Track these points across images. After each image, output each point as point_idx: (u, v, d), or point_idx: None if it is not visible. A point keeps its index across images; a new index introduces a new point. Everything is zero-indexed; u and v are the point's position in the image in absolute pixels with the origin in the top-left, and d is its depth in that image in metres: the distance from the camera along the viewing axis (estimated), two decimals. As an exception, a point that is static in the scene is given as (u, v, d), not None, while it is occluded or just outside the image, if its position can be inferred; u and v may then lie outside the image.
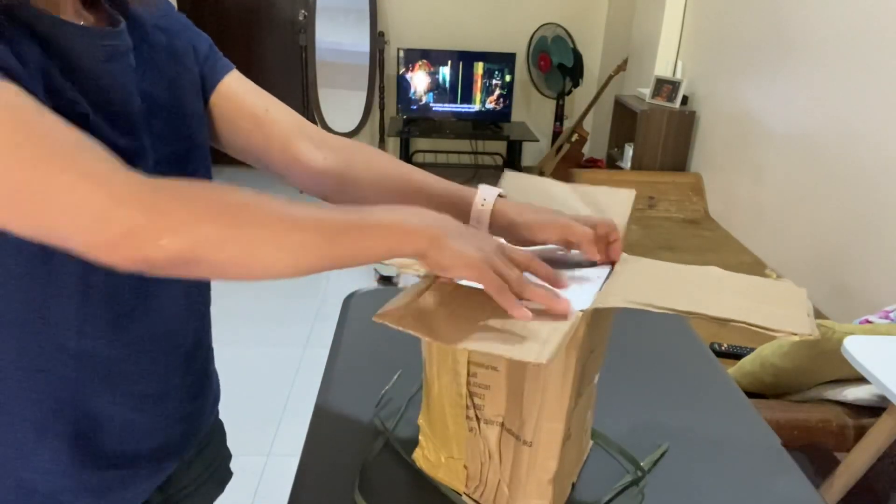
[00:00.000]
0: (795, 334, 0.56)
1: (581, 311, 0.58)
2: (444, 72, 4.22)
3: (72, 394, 0.61)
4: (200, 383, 0.78)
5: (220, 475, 0.87)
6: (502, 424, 0.68)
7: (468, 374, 0.67)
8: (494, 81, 4.24)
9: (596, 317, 0.64)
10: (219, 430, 0.88)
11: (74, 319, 0.59)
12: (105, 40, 0.60)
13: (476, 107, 4.30)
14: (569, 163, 3.88)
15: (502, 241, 0.64)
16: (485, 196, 0.71)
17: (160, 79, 0.66)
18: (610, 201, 0.76)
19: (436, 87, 4.25)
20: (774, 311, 0.59)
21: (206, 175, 0.73)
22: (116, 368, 0.64)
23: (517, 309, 0.57)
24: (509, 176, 0.81)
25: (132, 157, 0.60)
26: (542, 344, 0.53)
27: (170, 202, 0.49)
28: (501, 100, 4.28)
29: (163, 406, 0.70)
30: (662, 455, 0.81)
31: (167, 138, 0.66)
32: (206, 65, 0.73)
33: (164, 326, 0.68)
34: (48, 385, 0.60)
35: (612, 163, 3.68)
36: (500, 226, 0.70)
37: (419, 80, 4.23)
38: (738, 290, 0.63)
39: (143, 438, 0.68)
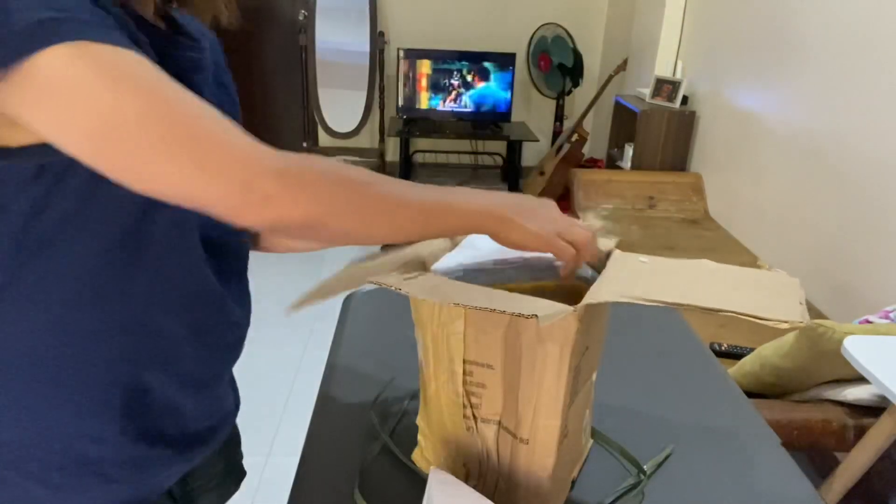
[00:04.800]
0: (786, 322, 0.55)
1: (574, 308, 0.58)
2: (444, 72, 4.21)
3: (130, 366, 0.64)
4: (232, 382, 0.81)
5: (237, 474, 0.91)
6: (499, 423, 0.68)
7: (464, 374, 0.67)
8: (494, 81, 4.24)
9: (589, 314, 0.64)
10: (236, 433, 0.92)
11: (150, 294, 0.63)
12: (192, 52, 0.65)
13: (476, 107, 4.30)
14: (569, 163, 3.88)
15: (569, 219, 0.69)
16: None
17: (215, 104, 0.72)
18: None
19: (436, 87, 4.25)
20: (766, 300, 0.59)
21: None
22: (176, 348, 0.67)
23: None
24: None
25: None
26: (538, 308, 0.55)
27: (304, 174, 0.54)
28: (501, 100, 4.28)
29: (203, 394, 0.74)
30: (667, 458, 0.81)
31: None
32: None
33: (226, 317, 0.73)
34: (111, 354, 0.63)
35: (612, 163, 3.68)
36: None
37: (419, 80, 4.23)
38: (730, 282, 0.63)
39: (180, 422, 0.71)
